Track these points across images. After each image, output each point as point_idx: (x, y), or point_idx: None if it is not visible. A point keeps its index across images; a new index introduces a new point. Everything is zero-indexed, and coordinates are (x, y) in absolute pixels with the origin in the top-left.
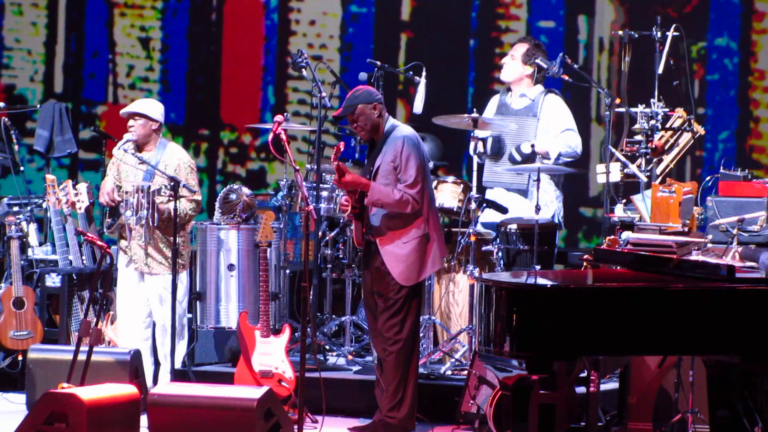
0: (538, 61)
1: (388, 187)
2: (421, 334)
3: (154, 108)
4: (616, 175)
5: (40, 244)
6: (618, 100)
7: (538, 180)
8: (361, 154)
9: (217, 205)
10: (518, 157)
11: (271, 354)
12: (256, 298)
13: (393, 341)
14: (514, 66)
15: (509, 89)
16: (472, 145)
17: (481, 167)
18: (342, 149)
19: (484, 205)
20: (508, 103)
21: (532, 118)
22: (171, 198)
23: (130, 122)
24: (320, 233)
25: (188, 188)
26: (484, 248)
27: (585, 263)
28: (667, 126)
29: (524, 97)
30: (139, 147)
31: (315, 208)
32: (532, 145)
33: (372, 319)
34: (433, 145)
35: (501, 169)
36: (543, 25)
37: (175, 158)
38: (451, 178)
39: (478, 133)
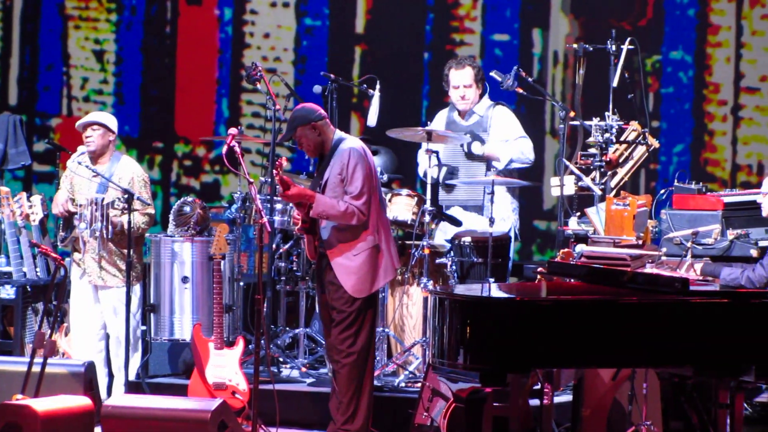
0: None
1: (335, 199)
2: (375, 347)
3: (111, 120)
4: (570, 188)
5: None
6: (572, 113)
7: (492, 193)
8: (314, 167)
9: (171, 217)
10: (465, 149)
11: (225, 366)
12: (210, 310)
13: (346, 354)
14: (472, 93)
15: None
16: (423, 161)
17: (435, 185)
18: (284, 164)
19: (439, 218)
20: (457, 120)
21: (483, 133)
22: (124, 211)
23: (88, 132)
24: (274, 246)
25: (142, 201)
26: (438, 261)
27: (539, 276)
28: (622, 139)
29: (474, 114)
30: (94, 159)
31: (269, 220)
32: (483, 151)
33: (327, 331)
34: (387, 157)
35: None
36: (497, 38)
37: (128, 171)
38: (405, 191)
39: (430, 145)
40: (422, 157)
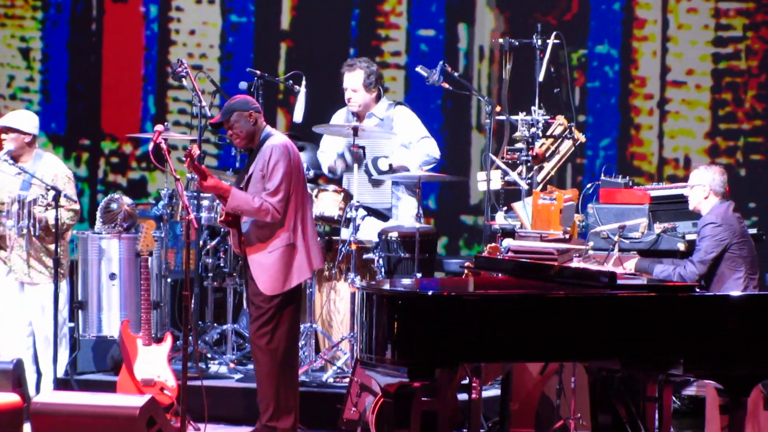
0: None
1: (251, 195)
2: (303, 342)
3: (26, 121)
4: (496, 183)
5: None
6: (498, 108)
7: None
8: (241, 163)
9: (98, 214)
10: (374, 173)
11: (153, 362)
12: (137, 306)
13: (263, 350)
14: (359, 97)
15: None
16: (325, 158)
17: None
18: (197, 153)
19: (365, 213)
20: (355, 122)
21: (386, 135)
22: (49, 207)
23: (2, 135)
24: (201, 242)
25: (68, 197)
26: (365, 256)
27: (466, 271)
28: (548, 133)
29: (372, 116)
30: (15, 159)
31: (196, 217)
32: (390, 164)
33: None
34: (313, 153)
35: (361, 182)
36: (423, 33)
37: (51, 169)
38: (331, 187)
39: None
40: (322, 156)
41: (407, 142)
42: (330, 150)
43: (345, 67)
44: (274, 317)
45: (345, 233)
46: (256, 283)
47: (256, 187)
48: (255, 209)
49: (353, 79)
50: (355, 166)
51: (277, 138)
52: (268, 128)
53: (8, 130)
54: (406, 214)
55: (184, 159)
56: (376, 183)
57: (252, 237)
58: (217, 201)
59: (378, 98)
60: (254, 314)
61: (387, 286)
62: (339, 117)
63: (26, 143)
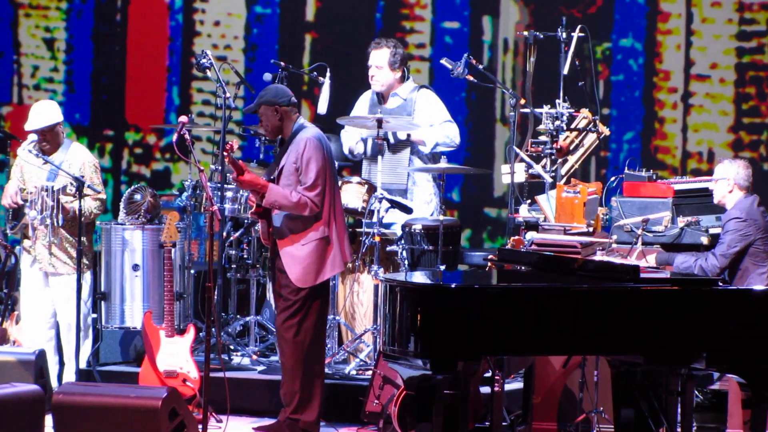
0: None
1: (287, 188)
2: (326, 334)
3: (53, 112)
4: (520, 176)
5: None
6: (523, 101)
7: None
8: (266, 155)
9: (121, 205)
10: (392, 140)
11: (176, 354)
12: (160, 298)
13: (290, 342)
14: (383, 75)
15: None
16: (347, 138)
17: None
18: (234, 147)
19: (389, 206)
20: (379, 102)
21: (407, 116)
22: (76, 197)
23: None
24: (225, 233)
25: (92, 188)
26: (388, 248)
27: (489, 263)
28: (572, 126)
29: (396, 96)
30: (44, 150)
31: (219, 208)
32: (408, 134)
33: None
34: (337, 145)
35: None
36: (448, 25)
37: (79, 158)
38: (355, 179)
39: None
40: (345, 136)
41: (429, 125)
42: (354, 131)
43: (372, 45)
44: (302, 309)
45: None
46: (288, 275)
47: (289, 179)
48: (293, 204)
49: (379, 57)
50: (360, 145)
51: (310, 130)
52: (301, 120)
53: (43, 131)
54: (421, 199)
55: (225, 153)
56: (393, 165)
57: (284, 229)
58: (241, 192)
59: (402, 79)
60: (281, 306)
61: (410, 279)
62: (364, 99)
63: (59, 132)
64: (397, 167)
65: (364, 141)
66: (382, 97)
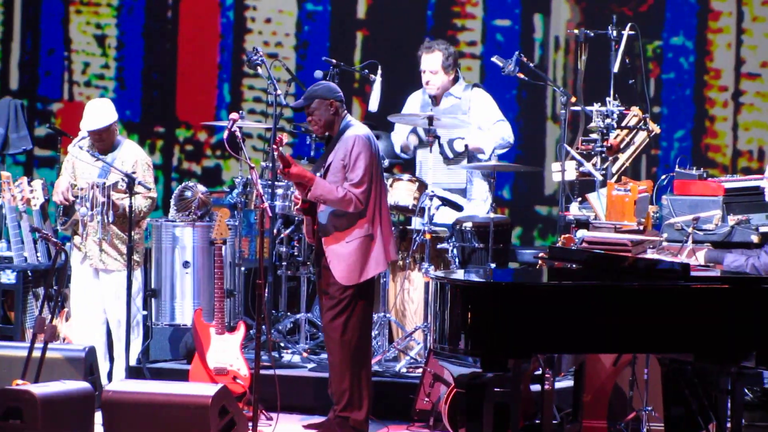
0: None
1: (334, 184)
2: (376, 332)
3: (108, 111)
4: (571, 174)
5: None
6: (574, 99)
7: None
8: (316, 152)
9: (172, 202)
10: (450, 155)
11: (226, 351)
12: (211, 295)
13: (336, 341)
14: (438, 79)
15: None
16: (398, 137)
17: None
18: (283, 140)
19: (440, 203)
20: (431, 102)
21: (461, 116)
22: (127, 194)
23: (91, 134)
24: (275, 230)
25: (143, 185)
26: (439, 246)
27: (540, 261)
28: (623, 124)
29: (450, 96)
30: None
31: (270, 205)
32: (466, 145)
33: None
34: (387, 143)
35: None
36: (499, 23)
37: (132, 155)
38: (406, 176)
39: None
40: (395, 136)
41: (482, 124)
42: (404, 131)
43: (423, 50)
44: (348, 308)
45: (417, 223)
46: (332, 273)
47: (336, 176)
48: (339, 199)
49: (432, 61)
50: (429, 148)
51: (358, 128)
52: (349, 117)
53: (98, 132)
54: (479, 197)
55: (274, 146)
56: (450, 164)
57: (329, 226)
58: (292, 189)
59: (455, 80)
60: (327, 305)
61: (461, 276)
62: (415, 99)
63: (115, 130)
64: (454, 167)
65: (414, 131)
66: (434, 98)
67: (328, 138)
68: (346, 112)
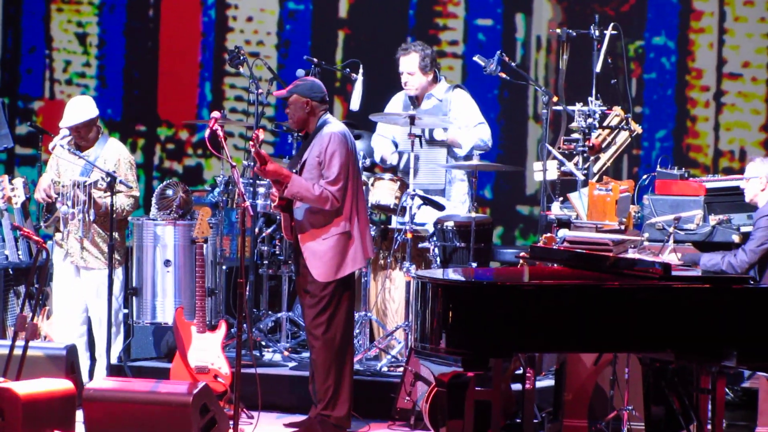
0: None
1: (309, 181)
2: (357, 331)
3: (88, 108)
4: (553, 173)
5: None
6: (555, 98)
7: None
8: (297, 151)
9: (153, 200)
10: (427, 137)
11: (207, 350)
12: (192, 293)
13: (320, 339)
14: (415, 80)
15: None
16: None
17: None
18: (261, 137)
19: (421, 202)
20: (413, 103)
21: (442, 117)
22: (108, 192)
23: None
24: (257, 229)
25: (125, 184)
26: (420, 245)
27: (521, 261)
28: (605, 124)
29: (431, 97)
30: (80, 146)
31: (251, 204)
32: (445, 131)
33: (304, 314)
34: (369, 142)
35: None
36: (481, 23)
37: (114, 153)
38: (387, 176)
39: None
40: (377, 142)
41: (463, 125)
42: (387, 136)
43: (400, 52)
44: (330, 306)
45: (396, 222)
46: (310, 271)
47: (311, 173)
48: (315, 197)
49: (409, 63)
50: (411, 147)
51: (334, 125)
52: (326, 115)
53: (77, 128)
54: (456, 199)
55: (251, 144)
56: (430, 163)
57: (305, 224)
58: (273, 188)
59: (435, 80)
60: (308, 303)
61: (442, 275)
62: (397, 100)
63: (95, 127)
64: (434, 168)
65: (400, 154)
66: (416, 99)
67: (306, 135)
68: (324, 111)
